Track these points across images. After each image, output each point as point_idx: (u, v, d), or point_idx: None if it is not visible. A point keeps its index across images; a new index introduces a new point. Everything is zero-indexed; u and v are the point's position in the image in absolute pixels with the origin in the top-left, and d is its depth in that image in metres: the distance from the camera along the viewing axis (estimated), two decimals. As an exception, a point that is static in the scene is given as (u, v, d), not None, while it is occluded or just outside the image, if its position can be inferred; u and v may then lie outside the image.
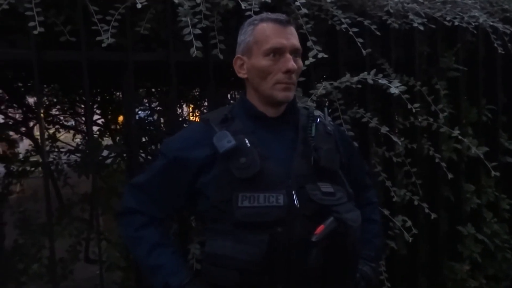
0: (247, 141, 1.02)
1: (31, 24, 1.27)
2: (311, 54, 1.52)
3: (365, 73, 1.61)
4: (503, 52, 2.14)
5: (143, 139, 1.92)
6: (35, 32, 1.27)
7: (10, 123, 2.45)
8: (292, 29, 1.08)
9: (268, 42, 1.04)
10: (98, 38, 1.35)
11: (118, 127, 2.37)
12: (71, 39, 1.40)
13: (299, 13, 1.63)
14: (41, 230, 1.87)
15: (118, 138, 2.26)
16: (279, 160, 1.04)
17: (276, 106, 1.11)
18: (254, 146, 1.02)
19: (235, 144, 1.00)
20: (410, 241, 1.72)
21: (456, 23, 2.06)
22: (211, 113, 1.15)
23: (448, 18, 2.07)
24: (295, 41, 1.07)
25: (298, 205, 1.00)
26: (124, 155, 1.91)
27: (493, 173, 1.91)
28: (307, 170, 1.05)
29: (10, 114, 2.48)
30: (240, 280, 0.97)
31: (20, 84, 2.38)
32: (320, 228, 0.96)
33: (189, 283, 1.05)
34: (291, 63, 1.04)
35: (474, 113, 2.32)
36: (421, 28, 1.84)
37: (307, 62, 1.48)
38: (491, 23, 2.15)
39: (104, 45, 1.34)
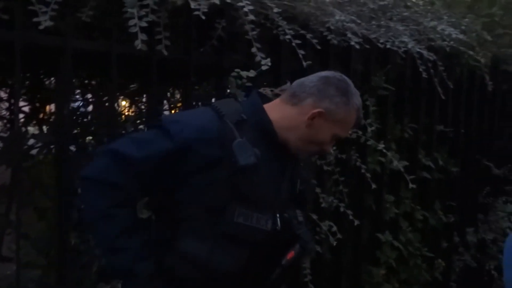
0: (259, 158, 1.00)
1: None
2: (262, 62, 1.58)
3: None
4: (426, 76, 2.36)
5: (75, 131, 1.83)
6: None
7: None
8: None
9: (344, 131, 1.12)
10: (35, 20, 1.27)
11: (46, 116, 2.23)
12: (3, 17, 1.31)
13: (246, 19, 1.66)
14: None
15: (46, 127, 2.12)
16: (272, 182, 1.06)
17: None
18: (262, 165, 1.01)
19: (255, 161, 0.97)
20: (334, 245, 1.83)
21: (388, 46, 2.23)
22: (223, 106, 1.07)
23: (381, 41, 2.24)
24: None
25: (279, 230, 1.05)
26: (52, 146, 1.80)
27: (410, 185, 2.09)
28: (290, 197, 1.10)
29: None
30: (205, 282, 1.01)
31: None
32: (291, 254, 1.05)
33: (154, 274, 1.00)
34: (330, 150, 1.15)
35: (398, 129, 2.53)
36: (358, 47, 1.98)
37: (251, 74, 1.53)
38: (418, 50, 2.36)
39: (41, 27, 1.26)
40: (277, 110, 1.09)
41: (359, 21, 2.14)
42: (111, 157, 1.00)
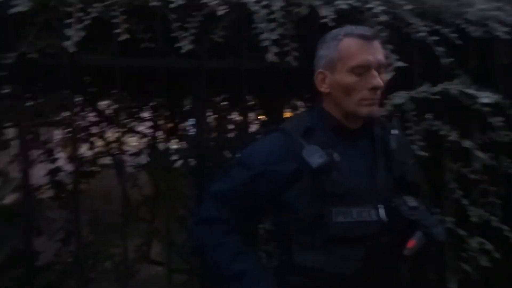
0: (336, 155, 1.01)
1: (116, 31, 1.34)
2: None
3: (446, 83, 1.53)
4: None
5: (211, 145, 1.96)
6: (120, 38, 1.33)
7: (84, 125, 2.59)
8: (377, 44, 1.05)
9: (354, 59, 1.02)
10: (177, 45, 1.39)
11: (183, 132, 2.44)
12: (150, 46, 1.46)
13: (373, 20, 1.58)
14: (111, 229, 1.95)
15: (184, 142, 2.32)
16: (363, 173, 1.05)
17: (358, 119, 1.09)
18: (343, 160, 1.01)
19: (327, 159, 0.99)
20: (490, 265, 1.60)
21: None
22: (289, 124, 1.14)
23: (534, 26, 1.92)
24: (380, 56, 1.04)
25: (387, 220, 1.02)
26: (191, 160, 1.94)
27: None
28: (391, 184, 1.06)
29: (85, 117, 2.63)
30: None
31: (95, 89, 2.51)
32: (411, 243, 0.98)
33: None
34: (378, 80, 1.02)
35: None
36: (508, 37, 1.73)
37: (389, 76, 1.44)
38: None
39: (182, 51, 1.37)
40: (325, 104, 1.11)
41: (504, 8, 1.87)
42: (208, 197, 1.15)
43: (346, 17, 1.61)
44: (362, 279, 1.01)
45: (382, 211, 1.02)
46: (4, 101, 1.81)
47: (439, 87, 1.55)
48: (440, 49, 1.56)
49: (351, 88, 1.03)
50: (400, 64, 1.46)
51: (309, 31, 1.65)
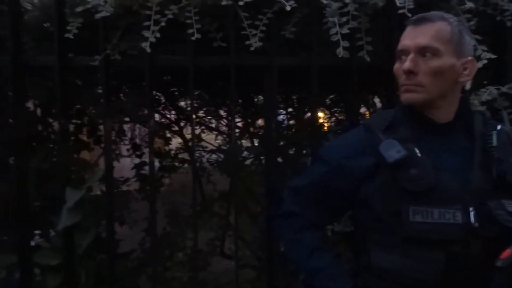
0: (417, 151, 0.95)
1: (190, 31, 1.39)
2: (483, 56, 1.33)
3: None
4: None
5: (280, 143, 1.95)
6: (193, 38, 1.37)
7: (165, 122, 2.76)
8: (425, 27, 0.97)
9: (398, 45, 1.01)
10: (247, 42, 1.40)
11: (255, 130, 2.47)
12: (222, 45, 1.49)
13: (460, 8, 1.45)
14: (186, 222, 2.04)
15: (256, 140, 2.34)
16: (452, 172, 0.96)
17: (440, 111, 1.00)
18: (425, 156, 0.95)
19: (405, 154, 0.94)
20: None
21: None
22: (372, 119, 1.11)
23: None
24: (421, 39, 0.96)
25: (477, 224, 0.91)
26: (262, 157, 1.96)
27: None
28: (488, 185, 0.95)
29: (166, 115, 2.80)
30: None
31: (174, 89, 2.65)
32: (507, 253, 0.89)
33: None
34: (406, 64, 0.96)
35: None
36: None
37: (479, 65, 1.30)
38: None
39: (252, 48, 1.38)
40: None
41: None
42: (286, 192, 1.15)
43: (427, 6, 1.49)
44: (442, 286, 0.92)
45: (471, 214, 0.92)
46: (98, 101, 1.99)
47: (537, 81, 1.36)
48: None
49: (396, 74, 1.02)
50: (487, 55, 1.31)
51: (384, 24, 1.56)
